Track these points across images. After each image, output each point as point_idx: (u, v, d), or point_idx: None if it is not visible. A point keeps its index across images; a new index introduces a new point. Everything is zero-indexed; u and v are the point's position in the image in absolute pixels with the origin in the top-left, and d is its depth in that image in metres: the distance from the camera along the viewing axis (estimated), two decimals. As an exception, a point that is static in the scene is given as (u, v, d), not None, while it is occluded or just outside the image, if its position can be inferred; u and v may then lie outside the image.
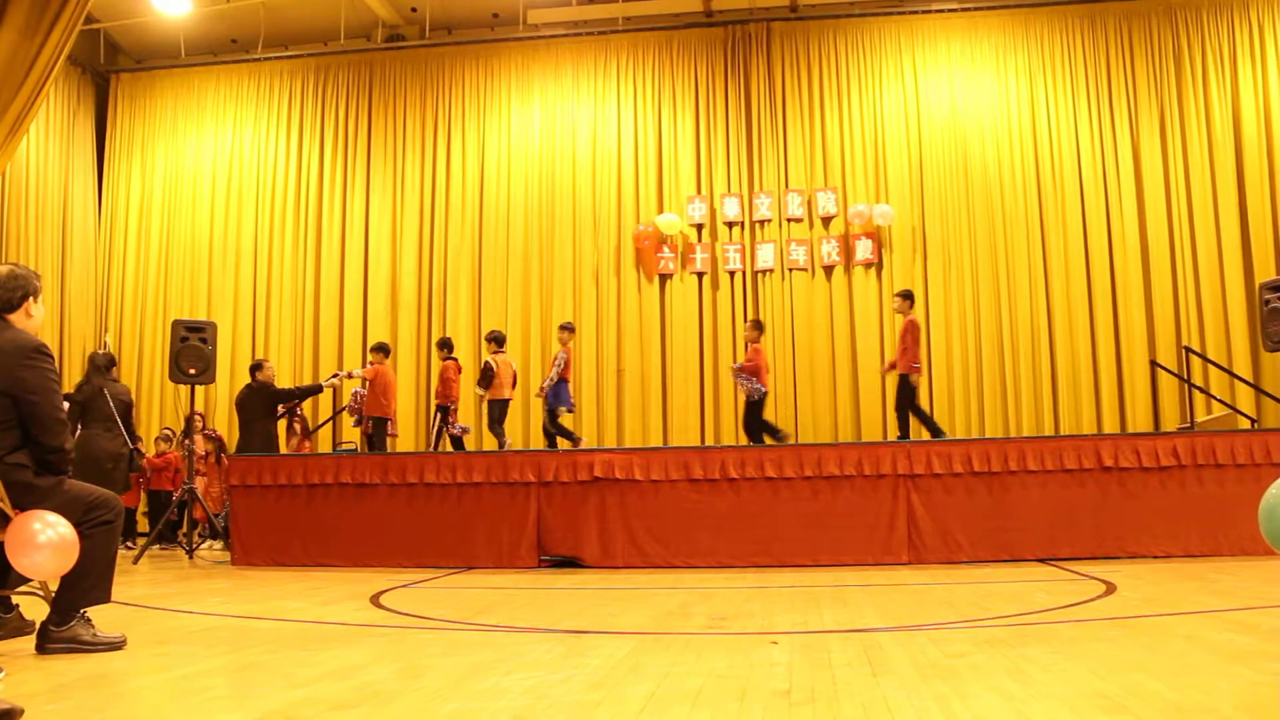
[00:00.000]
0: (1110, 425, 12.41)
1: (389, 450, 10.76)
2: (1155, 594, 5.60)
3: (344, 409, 12.54)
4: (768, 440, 9.97)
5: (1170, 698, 2.92)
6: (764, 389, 10.24)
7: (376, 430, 10.83)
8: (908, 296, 10.10)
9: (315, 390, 11.51)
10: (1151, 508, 7.93)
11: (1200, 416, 11.36)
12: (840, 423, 12.86)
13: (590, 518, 8.37)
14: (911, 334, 9.71)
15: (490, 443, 11.13)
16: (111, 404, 8.81)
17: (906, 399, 9.63)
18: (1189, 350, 11.79)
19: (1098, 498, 8.00)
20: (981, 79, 13.44)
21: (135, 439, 10.60)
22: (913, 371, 9.60)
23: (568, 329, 10.78)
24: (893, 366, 10.11)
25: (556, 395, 10.40)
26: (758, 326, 10.74)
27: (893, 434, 12.07)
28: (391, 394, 11.09)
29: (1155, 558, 7.79)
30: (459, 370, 11.14)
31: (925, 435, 9.59)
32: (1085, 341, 12.72)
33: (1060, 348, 12.74)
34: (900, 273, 13.09)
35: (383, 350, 11.25)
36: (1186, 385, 11.57)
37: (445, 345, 11.25)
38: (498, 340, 10.81)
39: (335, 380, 11.32)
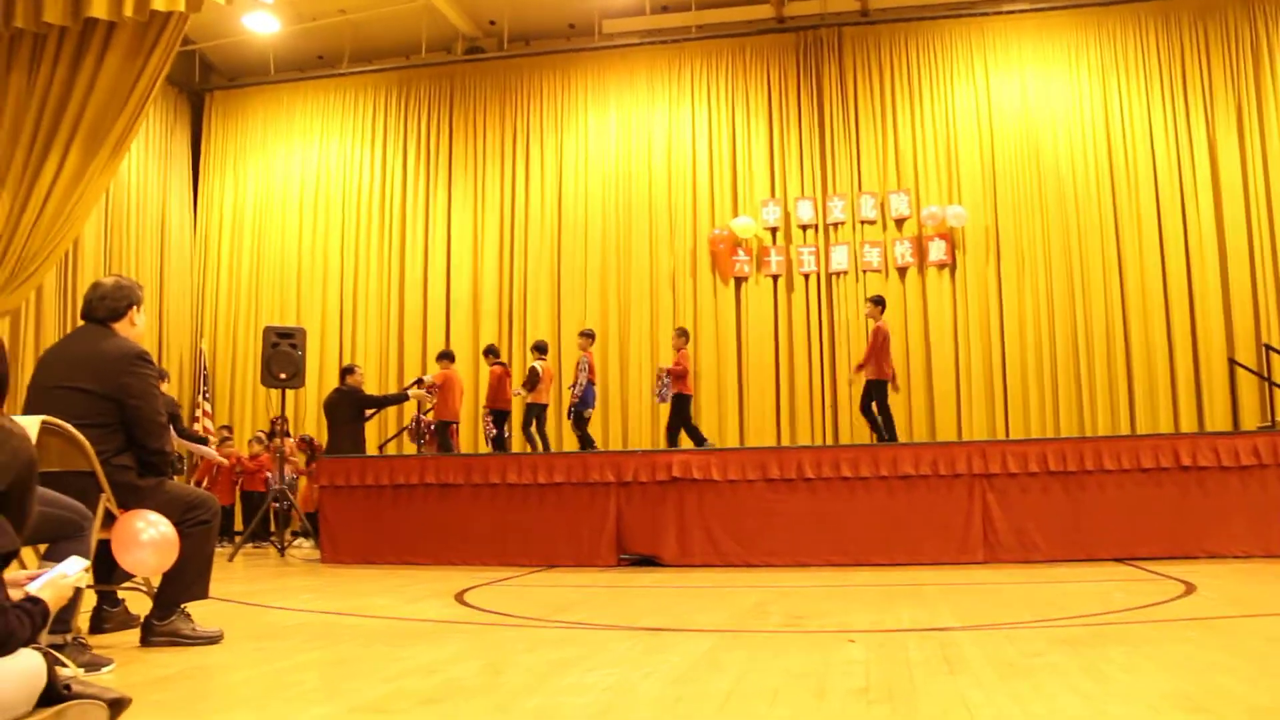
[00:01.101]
0: (1188, 424, 12.13)
1: (456, 451, 11.17)
2: (1236, 594, 5.50)
3: (406, 429, 12.96)
4: (685, 441, 10.56)
5: (1253, 699, 2.88)
6: (686, 393, 10.79)
7: (442, 432, 11.27)
8: (879, 303, 10.54)
9: (401, 398, 11.81)
10: (1231, 507, 7.77)
11: (1281, 415, 11.10)
12: (915, 422, 12.79)
13: (668, 517, 8.46)
14: (881, 340, 10.10)
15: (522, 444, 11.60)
16: None
17: (875, 399, 10.16)
18: (1269, 348, 11.49)
19: (1176, 497, 7.87)
20: (1053, 78, 13.25)
21: (197, 439, 11.09)
22: (882, 376, 10.10)
23: (588, 335, 11.52)
24: (861, 368, 10.57)
25: (584, 398, 11.04)
26: (683, 334, 11.23)
27: (970, 433, 12.10)
28: (459, 398, 11.50)
29: (1235, 558, 7.63)
30: (508, 375, 11.67)
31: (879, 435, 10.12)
32: (1161, 340, 12.46)
33: (1136, 347, 12.50)
34: (974, 273, 12.98)
35: (449, 357, 11.85)
36: (1267, 383, 11.28)
37: (492, 352, 11.88)
38: (541, 349, 11.54)
39: (420, 391, 11.62)
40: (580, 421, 11.13)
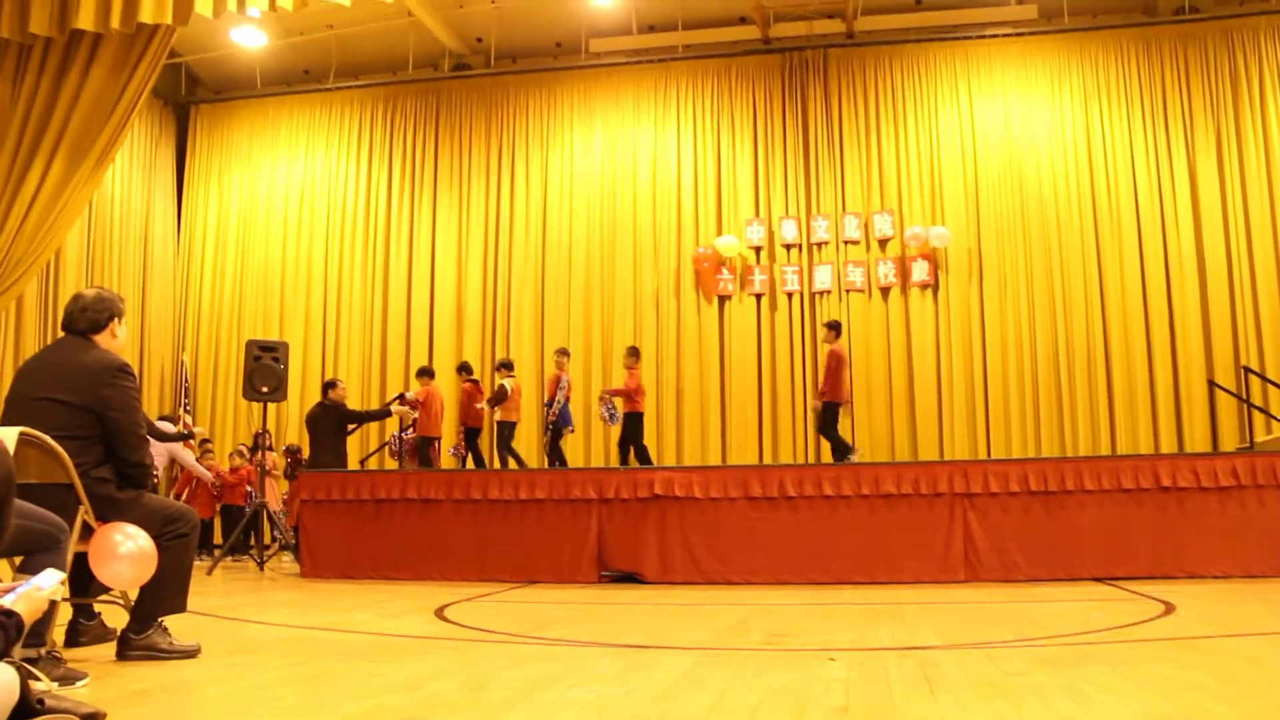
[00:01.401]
0: (1168, 445, 12.26)
1: (437, 466, 11.17)
2: (1216, 615, 5.52)
3: (386, 445, 12.96)
4: (633, 461, 10.64)
5: (1231, 719, 2.89)
6: (638, 412, 10.96)
7: (426, 448, 11.25)
8: (833, 327, 10.71)
9: (384, 414, 11.80)
10: (1211, 528, 7.81)
11: (1260, 437, 11.18)
12: (897, 442, 12.85)
13: (650, 534, 8.44)
14: (835, 364, 10.24)
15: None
16: None
17: (828, 423, 10.29)
18: (1248, 370, 11.61)
19: (1156, 517, 7.91)
20: (1036, 102, 13.41)
21: (176, 437, 11.12)
22: (835, 398, 10.25)
23: (565, 353, 11.56)
24: (823, 395, 10.68)
25: (562, 416, 11.11)
26: (634, 354, 11.35)
27: (952, 453, 12.15)
28: (440, 414, 11.50)
29: (1214, 578, 7.67)
30: (479, 392, 11.71)
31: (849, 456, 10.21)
32: (1142, 362, 12.60)
33: (1117, 368, 12.62)
34: (956, 294, 13.07)
35: (429, 373, 11.83)
36: (1245, 405, 11.39)
37: (465, 369, 11.83)
38: (508, 366, 11.61)
39: (403, 407, 11.61)
40: (558, 438, 11.14)
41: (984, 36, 13.65)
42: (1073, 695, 3.24)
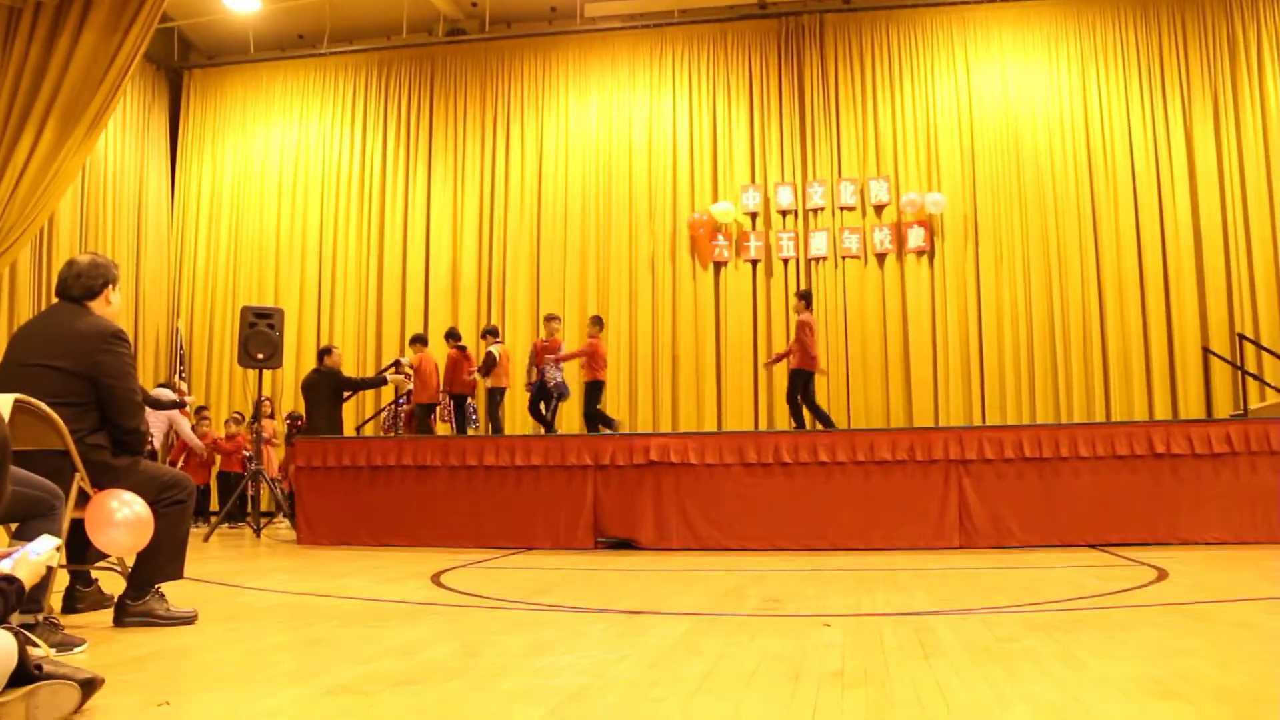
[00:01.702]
0: (1162, 412, 12.30)
1: (434, 433, 11.17)
2: (1208, 580, 5.55)
3: (383, 411, 12.96)
4: (603, 429, 10.53)
5: (1223, 683, 2.89)
6: (598, 380, 10.90)
7: (423, 415, 11.24)
8: (803, 297, 10.73)
9: (379, 382, 11.80)
10: (1204, 494, 7.85)
11: (1254, 404, 11.22)
12: (892, 408, 12.88)
13: (646, 501, 8.46)
14: (806, 332, 10.28)
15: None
16: None
17: (798, 391, 10.36)
18: (1243, 337, 11.63)
19: (1149, 484, 7.94)
20: (1033, 68, 13.34)
21: (166, 405, 11.16)
22: (809, 367, 10.29)
23: (558, 320, 11.46)
24: (779, 359, 10.87)
25: (560, 384, 11.18)
26: (597, 322, 11.36)
27: (947, 419, 12.19)
28: (435, 380, 11.48)
29: (1208, 544, 7.72)
30: (466, 359, 11.60)
31: (817, 425, 10.34)
32: (1137, 328, 12.61)
33: (1112, 334, 12.63)
34: (952, 260, 13.05)
35: (422, 340, 11.83)
36: (1240, 372, 11.42)
37: (453, 335, 11.74)
38: (494, 333, 11.57)
39: (399, 376, 11.59)
40: (555, 408, 11.18)
41: (981, 2, 13.57)
42: (1066, 660, 3.26)
